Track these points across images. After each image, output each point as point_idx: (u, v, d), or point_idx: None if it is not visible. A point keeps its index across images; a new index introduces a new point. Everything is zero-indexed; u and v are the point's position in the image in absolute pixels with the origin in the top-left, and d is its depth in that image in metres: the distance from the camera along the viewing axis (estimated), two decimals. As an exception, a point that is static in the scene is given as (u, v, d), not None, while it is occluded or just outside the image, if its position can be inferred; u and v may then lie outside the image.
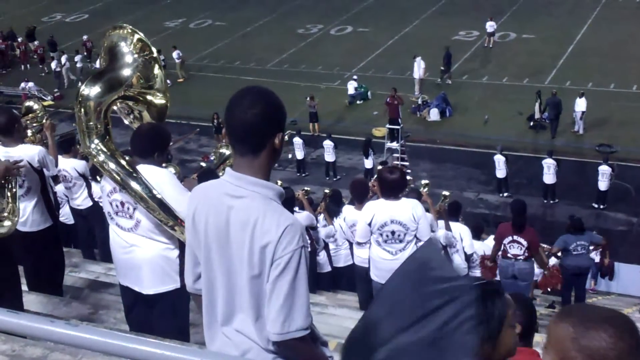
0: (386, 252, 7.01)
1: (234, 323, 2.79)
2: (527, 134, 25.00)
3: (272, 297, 2.64)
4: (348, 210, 9.09)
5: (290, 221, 2.64)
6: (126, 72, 4.87)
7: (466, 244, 10.33)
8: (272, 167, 2.81)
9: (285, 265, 2.61)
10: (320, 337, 2.97)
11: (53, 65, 33.66)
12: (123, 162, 4.71)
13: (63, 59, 33.68)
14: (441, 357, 2.05)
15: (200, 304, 2.93)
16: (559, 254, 11.83)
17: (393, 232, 6.88)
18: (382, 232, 6.92)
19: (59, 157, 8.99)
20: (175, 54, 31.96)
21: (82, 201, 9.75)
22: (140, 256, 4.85)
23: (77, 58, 33.71)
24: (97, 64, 25.54)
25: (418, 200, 8.73)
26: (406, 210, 6.82)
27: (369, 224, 6.96)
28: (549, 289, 11.18)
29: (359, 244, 8.67)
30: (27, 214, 6.29)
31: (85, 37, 35.45)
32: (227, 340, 2.81)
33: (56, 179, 8.96)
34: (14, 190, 5.50)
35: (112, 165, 4.69)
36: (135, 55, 4.90)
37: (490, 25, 32.28)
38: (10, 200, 5.43)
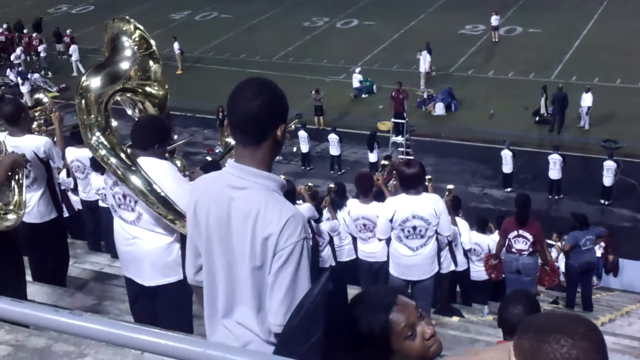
0: (407, 248, 6.95)
1: (235, 315, 2.79)
2: (533, 129, 24.96)
3: (274, 288, 2.64)
4: (353, 204, 9.08)
5: (292, 213, 2.64)
6: (125, 64, 4.87)
7: (465, 240, 10.34)
8: (274, 159, 2.81)
9: (288, 257, 2.61)
10: None
11: (12, 57, 34.10)
12: (123, 156, 4.71)
13: (18, 50, 34.15)
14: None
15: (201, 296, 2.93)
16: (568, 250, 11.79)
17: (414, 227, 6.82)
18: (403, 227, 6.85)
19: (73, 148, 9.06)
20: (175, 45, 31.94)
21: (92, 193, 9.77)
22: (142, 248, 4.87)
23: (41, 48, 34.17)
24: (74, 55, 25.84)
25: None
26: (428, 205, 6.78)
27: (390, 220, 6.89)
28: (545, 285, 11.12)
29: (364, 238, 8.68)
30: (32, 205, 6.30)
31: (68, 30, 35.44)
32: (228, 333, 2.81)
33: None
34: (21, 182, 5.51)
35: (112, 159, 4.69)
36: (135, 48, 4.90)
37: (495, 19, 32.21)
38: (17, 193, 5.43)
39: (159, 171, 4.71)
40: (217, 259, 2.79)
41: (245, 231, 2.66)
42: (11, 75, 31.25)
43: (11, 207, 5.35)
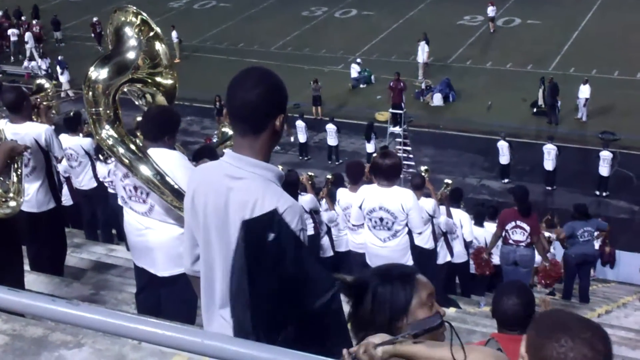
0: (376, 237, 6.95)
1: None
2: (531, 120, 24.96)
3: None
4: (342, 193, 9.08)
5: (289, 203, 2.63)
6: (132, 54, 4.85)
7: (466, 231, 10.33)
8: (272, 149, 2.80)
9: None
10: None
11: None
12: (133, 147, 4.71)
13: (27, 36, 34.35)
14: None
15: (198, 286, 2.93)
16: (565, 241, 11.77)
17: (381, 219, 6.78)
18: (371, 217, 6.83)
19: (66, 135, 9.08)
20: (173, 34, 31.82)
21: (87, 182, 9.79)
22: (154, 239, 4.88)
23: (10, 32, 34.60)
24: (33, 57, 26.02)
25: (419, 187, 8.75)
26: (395, 200, 6.68)
27: (360, 208, 6.92)
28: (547, 283, 11.04)
29: (352, 228, 8.68)
30: (31, 194, 6.30)
31: (95, 19, 34.83)
32: (225, 323, 2.80)
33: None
34: (20, 170, 5.52)
35: (121, 151, 4.69)
36: (141, 37, 4.88)
37: (491, 10, 32.17)
38: (15, 180, 5.44)
39: (170, 162, 4.71)
40: (214, 248, 2.78)
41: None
42: (43, 64, 30.99)
43: (11, 195, 5.36)
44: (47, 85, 7.60)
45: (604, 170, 20.12)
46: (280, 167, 10.62)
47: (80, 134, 9.58)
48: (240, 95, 2.68)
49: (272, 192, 2.66)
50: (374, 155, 12.05)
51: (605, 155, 19.96)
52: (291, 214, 2.62)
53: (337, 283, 2.41)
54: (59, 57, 30.34)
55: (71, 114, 9.70)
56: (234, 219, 2.68)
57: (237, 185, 2.69)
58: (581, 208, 11.82)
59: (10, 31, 34.61)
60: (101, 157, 8.89)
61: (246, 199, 2.64)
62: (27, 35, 33.67)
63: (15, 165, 5.47)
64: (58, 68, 29.45)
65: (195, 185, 2.86)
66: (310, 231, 9.53)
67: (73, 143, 9.33)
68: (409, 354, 2.21)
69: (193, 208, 2.84)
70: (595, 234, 12.17)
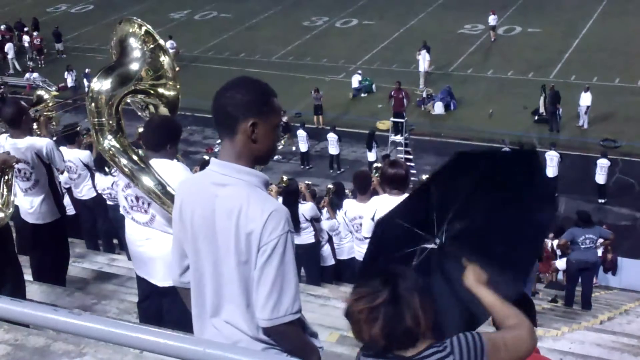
0: None
1: (223, 314, 2.79)
2: (532, 128, 24.93)
3: (260, 283, 2.63)
4: (349, 204, 9.07)
5: (274, 207, 2.63)
6: (135, 66, 4.86)
7: None
8: (257, 157, 2.78)
9: (272, 251, 2.60)
10: (309, 327, 2.96)
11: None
12: (135, 158, 4.71)
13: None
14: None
15: (188, 298, 2.93)
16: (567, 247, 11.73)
17: None
18: None
19: (65, 148, 9.12)
20: (169, 44, 31.76)
21: (86, 192, 9.87)
22: (155, 249, 4.87)
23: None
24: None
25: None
26: None
27: (372, 219, 6.88)
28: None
29: (361, 239, 8.68)
30: (35, 207, 6.33)
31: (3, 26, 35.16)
32: (217, 332, 2.80)
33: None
34: (10, 182, 5.52)
35: (123, 161, 4.70)
36: (145, 49, 4.90)
37: (492, 19, 32.21)
38: (5, 192, 5.44)
39: (172, 172, 4.71)
40: (203, 257, 2.79)
41: (230, 228, 2.65)
42: (69, 78, 30.86)
43: None
44: (46, 96, 7.63)
45: (600, 178, 20.11)
46: (284, 177, 10.61)
47: (80, 146, 9.64)
48: (215, 100, 2.77)
49: (257, 197, 2.67)
50: (380, 165, 12.05)
51: (603, 163, 19.95)
52: (277, 217, 2.62)
53: None
54: (87, 70, 30.09)
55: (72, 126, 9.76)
56: (221, 226, 2.69)
57: (223, 193, 2.70)
58: (583, 215, 11.78)
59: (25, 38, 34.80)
60: (107, 170, 8.94)
61: (232, 206, 2.65)
62: (8, 46, 33.77)
63: (6, 177, 5.47)
64: (85, 81, 29.45)
65: (183, 196, 2.88)
66: (311, 239, 9.57)
67: (72, 156, 9.40)
68: (486, 298, 2.63)
69: (181, 219, 2.85)
70: (600, 241, 12.10)
